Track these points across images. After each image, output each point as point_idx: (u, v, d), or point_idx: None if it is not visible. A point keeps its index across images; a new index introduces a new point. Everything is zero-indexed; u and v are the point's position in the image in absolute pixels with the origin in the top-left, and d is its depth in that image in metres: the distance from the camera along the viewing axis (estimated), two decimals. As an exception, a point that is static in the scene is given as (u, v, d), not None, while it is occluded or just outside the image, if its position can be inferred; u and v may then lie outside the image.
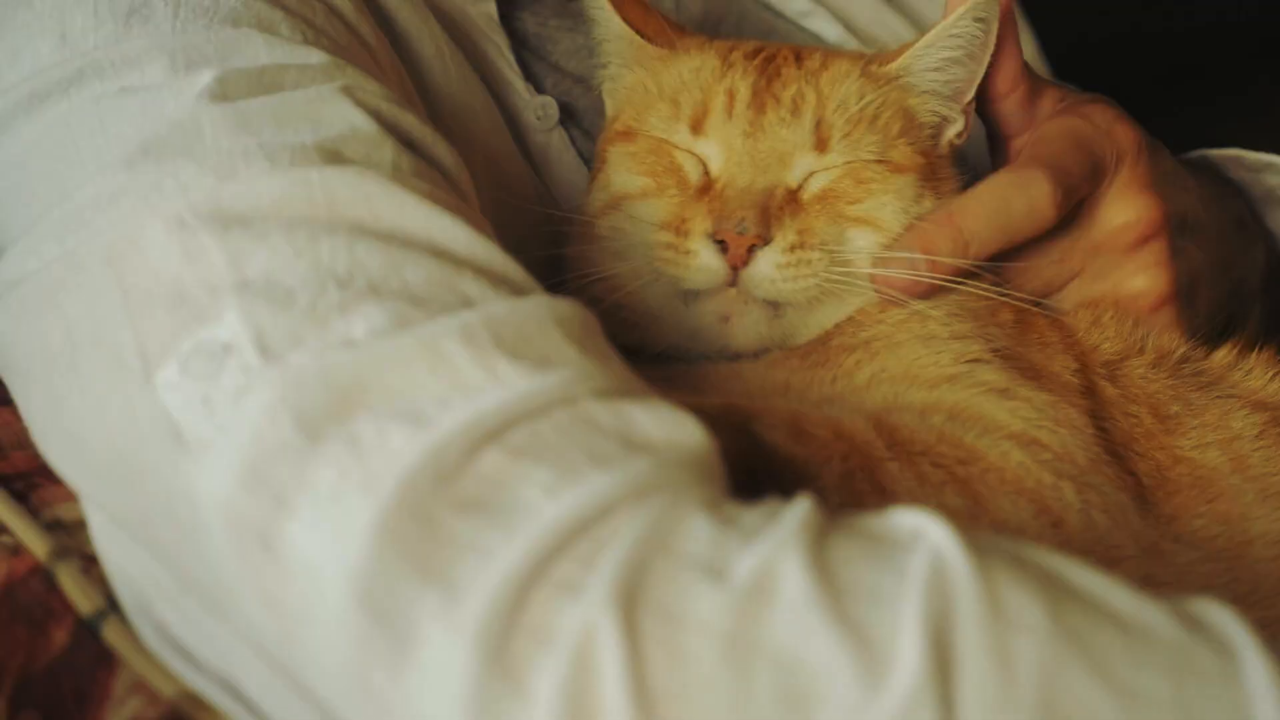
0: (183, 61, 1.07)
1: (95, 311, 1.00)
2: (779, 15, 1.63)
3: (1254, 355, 1.31)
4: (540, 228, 1.34)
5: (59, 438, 1.06)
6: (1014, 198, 1.24)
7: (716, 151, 1.25)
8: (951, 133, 1.31)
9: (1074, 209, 1.29)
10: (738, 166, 1.24)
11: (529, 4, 1.47)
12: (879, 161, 1.26)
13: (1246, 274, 1.45)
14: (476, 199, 1.15)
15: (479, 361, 0.92)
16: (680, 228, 1.22)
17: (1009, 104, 1.32)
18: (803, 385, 1.22)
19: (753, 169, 1.23)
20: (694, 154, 1.26)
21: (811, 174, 1.24)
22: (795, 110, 1.25)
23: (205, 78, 1.05)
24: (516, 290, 1.00)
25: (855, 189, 1.24)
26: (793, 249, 1.20)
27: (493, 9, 1.41)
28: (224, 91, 1.05)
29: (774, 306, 1.22)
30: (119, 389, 0.98)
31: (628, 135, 1.30)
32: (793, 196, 1.23)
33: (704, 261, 1.20)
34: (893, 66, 1.29)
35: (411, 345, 0.93)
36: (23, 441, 1.11)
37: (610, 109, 1.36)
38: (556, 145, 1.41)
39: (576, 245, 1.30)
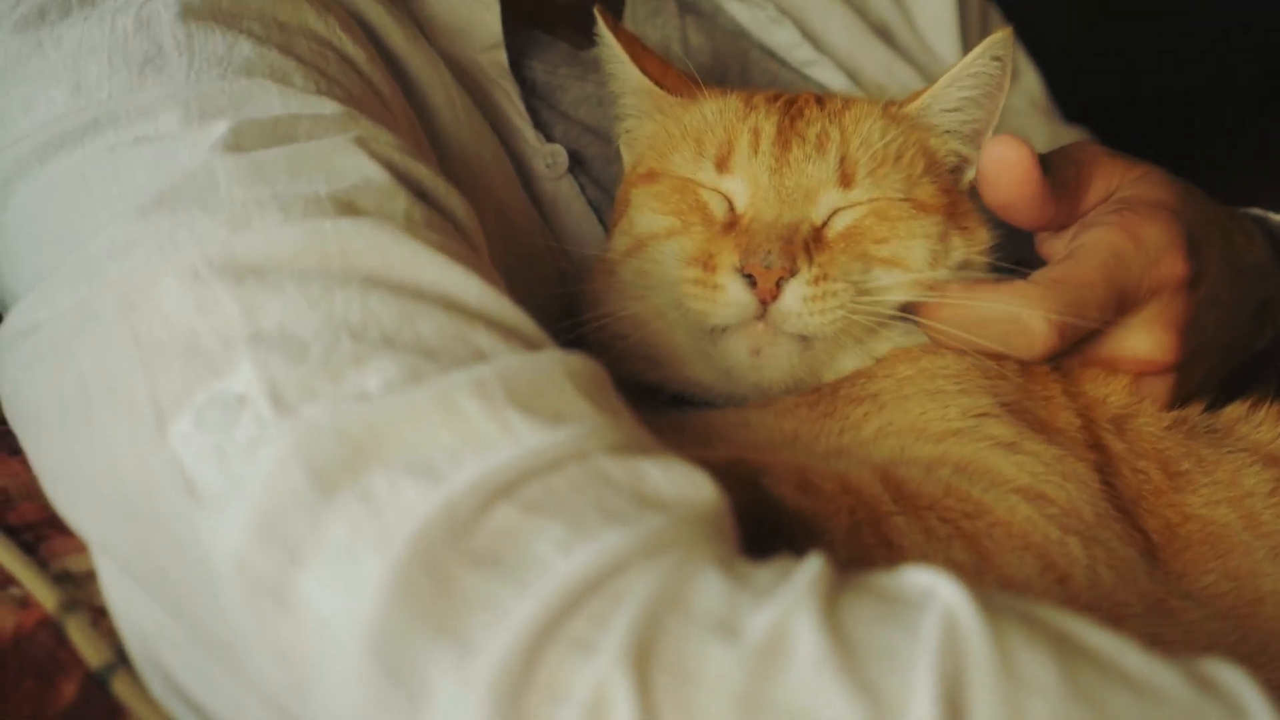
0: (197, 111, 1.09)
1: (109, 361, 1.01)
2: (784, 64, 1.65)
3: (1265, 409, 1.32)
4: (549, 274, 1.35)
5: (70, 487, 1.07)
6: (1003, 319, 1.22)
7: (742, 188, 1.27)
8: (971, 174, 1.33)
9: None
10: (764, 202, 1.25)
11: (539, 52, 1.49)
12: (904, 199, 1.27)
13: (1251, 351, 1.43)
14: (487, 249, 1.16)
15: (492, 416, 0.94)
16: (708, 263, 1.23)
17: (1043, 233, 1.30)
18: (810, 436, 1.23)
19: (779, 204, 1.25)
20: (719, 192, 1.28)
21: (837, 211, 1.26)
22: (820, 147, 1.27)
23: (220, 128, 1.07)
24: (529, 344, 1.01)
25: (880, 226, 1.26)
26: (817, 281, 1.21)
27: (503, 57, 1.42)
28: (238, 142, 1.06)
29: (803, 340, 1.23)
30: (132, 439, 0.99)
31: (651, 177, 1.32)
32: (818, 234, 1.25)
33: (732, 296, 1.21)
34: (913, 107, 1.31)
35: (425, 399, 0.94)
36: (31, 492, 1.12)
37: (629, 159, 1.38)
38: (566, 193, 1.43)
39: (595, 290, 1.31)
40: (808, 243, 1.23)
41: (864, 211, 1.26)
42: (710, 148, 1.29)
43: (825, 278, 1.21)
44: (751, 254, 1.21)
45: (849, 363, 1.27)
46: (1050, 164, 1.26)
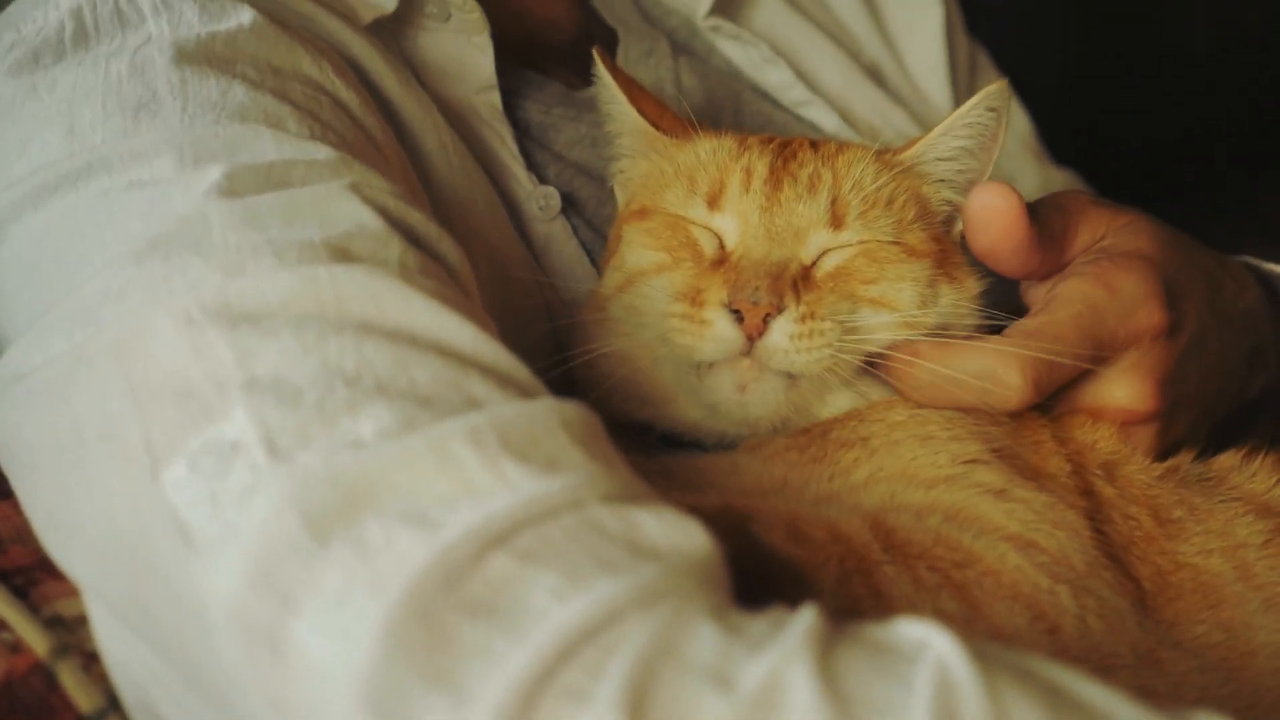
0: (191, 156, 1.10)
1: (103, 406, 1.03)
2: (777, 105, 1.67)
3: (1259, 459, 1.33)
4: (540, 315, 1.36)
5: (63, 531, 1.08)
6: (979, 376, 1.24)
7: (733, 226, 1.29)
8: (959, 229, 1.34)
9: None
10: (754, 240, 1.27)
11: (532, 92, 1.50)
12: (894, 243, 1.29)
13: (1242, 399, 1.44)
14: (479, 293, 1.17)
15: (487, 464, 0.95)
16: (696, 298, 1.24)
17: (1028, 282, 1.32)
18: (800, 481, 1.24)
19: (768, 242, 1.26)
20: (710, 229, 1.30)
21: (826, 251, 1.28)
22: (812, 188, 1.29)
23: (214, 174, 1.08)
24: (523, 391, 1.03)
25: (869, 268, 1.27)
26: (804, 319, 1.22)
27: (496, 98, 1.45)
28: (232, 187, 1.08)
29: (789, 378, 1.24)
30: (126, 484, 1.01)
31: (643, 214, 1.34)
32: (807, 273, 1.26)
33: (719, 331, 1.22)
34: (907, 154, 1.33)
35: (419, 447, 0.96)
36: (23, 536, 1.13)
37: (622, 199, 1.40)
38: (558, 235, 1.45)
39: (585, 325, 1.33)
40: (796, 281, 1.24)
41: (853, 253, 1.28)
42: (703, 185, 1.31)
43: (812, 316, 1.22)
44: (739, 290, 1.22)
45: (838, 403, 1.28)
46: (1037, 212, 1.27)
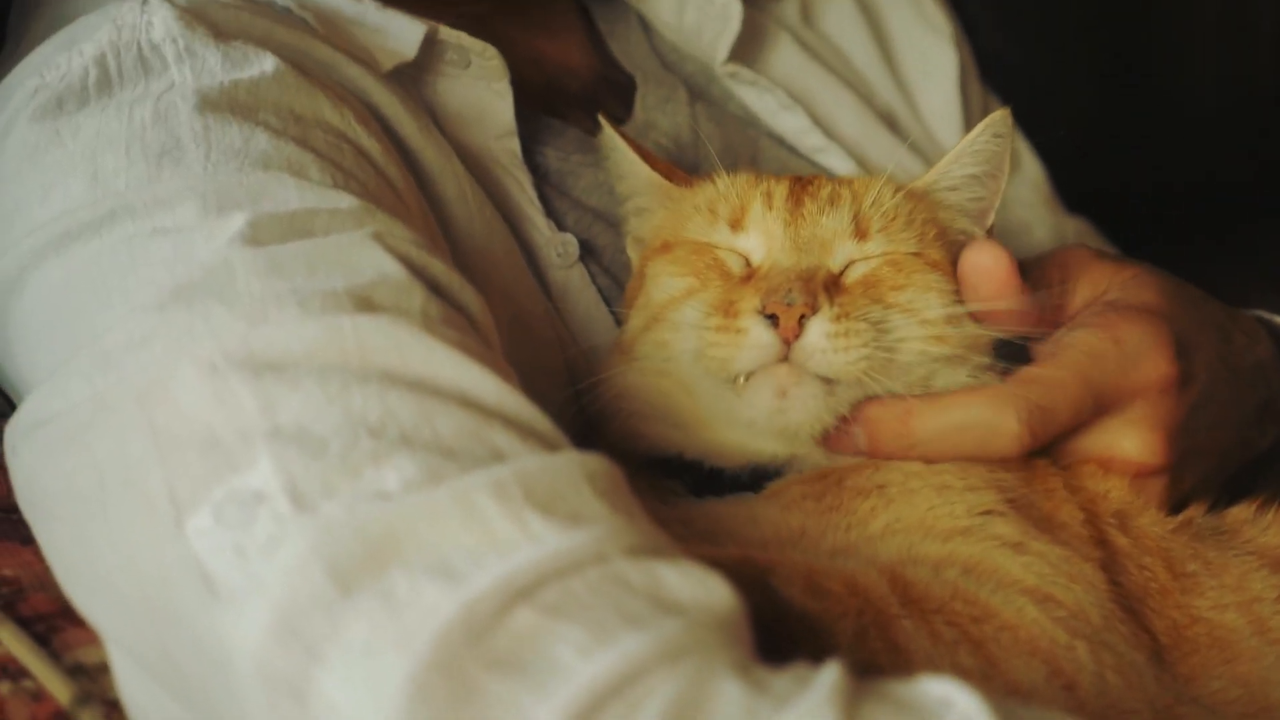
0: (214, 204, 1.12)
1: (125, 454, 1.04)
2: (793, 151, 1.69)
3: (1272, 512, 1.33)
4: (557, 364, 1.38)
5: (85, 579, 1.10)
6: (976, 425, 1.25)
7: (758, 243, 1.31)
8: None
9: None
10: (781, 251, 1.29)
11: (551, 139, 1.52)
12: (918, 255, 1.30)
13: (1253, 452, 1.44)
14: (499, 342, 1.19)
15: (511, 517, 0.96)
16: (729, 310, 1.25)
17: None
18: (817, 531, 1.25)
19: (796, 252, 1.28)
20: (735, 250, 1.31)
21: (852, 262, 1.29)
22: (833, 202, 1.31)
23: (237, 222, 1.10)
24: (546, 443, 1.04)
25: (897, 275, 1.29)
26: (839, 319, 1.22)
27: (515, 145, 1.46)
28: (256, 236, 1.09)
29: (828, 383, 1.24)
30: (149, 533, 1.02)
31: (666, 248, 1.35)
32: (836, 280, 1.28)
33: (755, 338, 1.23)
34: (920, 183, 1.35)
35: (444, 499, 0.97)
36: (44, 583, 1.14)
37: (637, 260, 1.42)
38: (576, 282, 1.46)
39: (610, 372, 1.33)
40: (827, 285, 1.25)
41: (880, 262, 1.29)
42: (724, 211, 1.33)
43: (847, 316, 1.23)
44: (773, 293, 1.23)
45: None
46: (1036, 266, 1.29)
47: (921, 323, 1.26)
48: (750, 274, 1.29)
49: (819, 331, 1.22)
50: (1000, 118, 1.34)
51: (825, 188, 1.33)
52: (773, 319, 1.22)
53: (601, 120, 1.42)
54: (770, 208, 1.31)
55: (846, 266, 1.29)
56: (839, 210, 1.31)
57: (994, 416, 1.24)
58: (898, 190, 1.33)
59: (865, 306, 1.25)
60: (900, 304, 1.27)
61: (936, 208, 1.35)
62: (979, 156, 1.35)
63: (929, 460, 1.26)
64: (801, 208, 1.31)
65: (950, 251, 1.33)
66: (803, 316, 1.21)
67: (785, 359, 1.23)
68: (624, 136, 1.41)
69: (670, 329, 1.30)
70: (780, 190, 1.32)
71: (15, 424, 1.13)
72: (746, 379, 1.24)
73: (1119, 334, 1.27)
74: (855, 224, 1.30)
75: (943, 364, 1.27)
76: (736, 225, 1.32)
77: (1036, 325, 1.29)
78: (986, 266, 1.26)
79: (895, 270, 1.29)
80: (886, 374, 1.24)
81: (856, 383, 1.24)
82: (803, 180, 1.35)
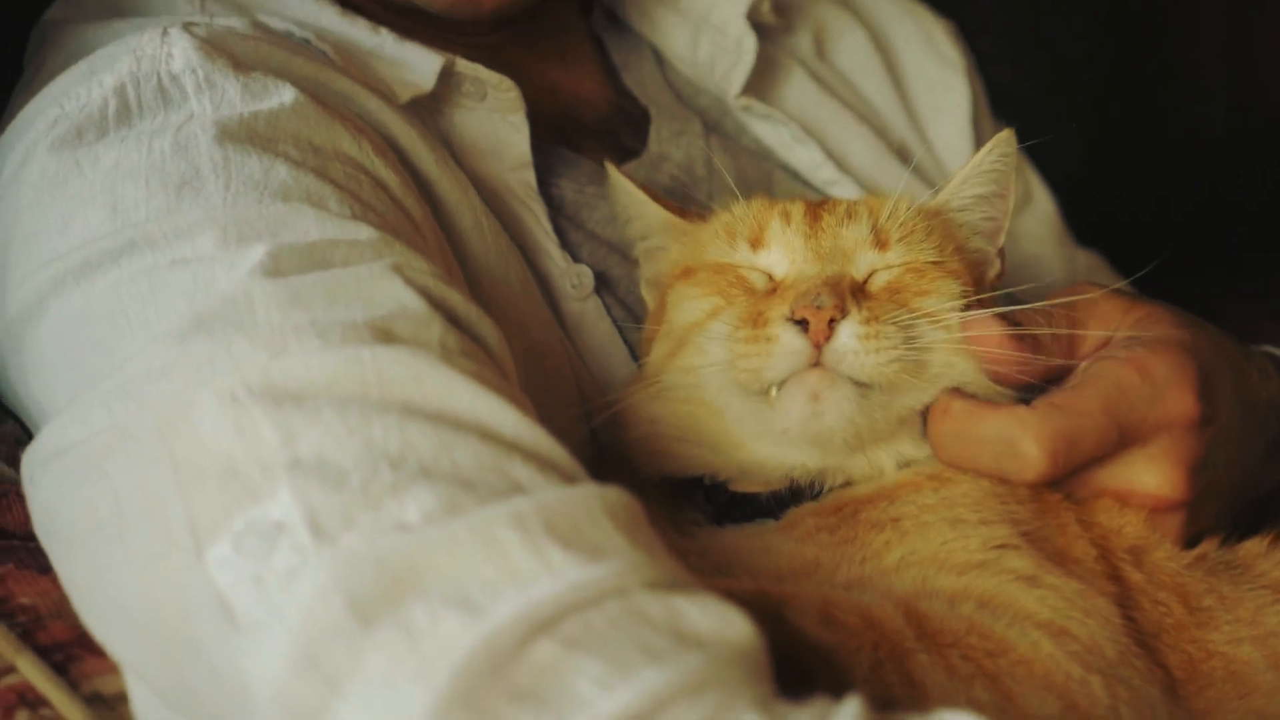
0: (234, 235, 1.13)
1: (145, 483, 1.05)
2: (807, 184, 1.71)
3: None
4: (572, 395, 1.38)
5: (103, 608, 1.10)
6: (997, 440, 1.25)
7: (780, 257, 1.32)
8: (992, 273, 1.38)
9: None
10: (804, 262, 1.30)
11: (566, 170, 1.54)
12: (937, 264, 1.31)
13: (1262, 488, 1.44)
14: (516, 373, 1.19)
15: (531, 550, 0.97)
16: (757, 320, 1.25)
17: None
18: (832, 563, 1.25)
19: (819, 261, 1.29)
20: (757, 268, 1.32)
21: (875, 270, 1.30)
22: (851, 215, 1.33)
23: (257, 253, 1.11)
24: (564, 475, 1.05)
25: (920, 282, 1.30)
26: (868, 322, 1.23)
27: (531, 177, 1.47)
28: (276, 267, 1.10)
29: (860, 387, 1.23)
30: (168, 562, 1.03)
31: (687, 273, 1.36)
32: (860, 287, 1.28)
33: (786, 344, 1.23)
34: (933, 204, 1.37)
35: (464, 531, 0.97)
36: (61, 611, 1.15)
37: (653, 301, 1.43)
38: (591, 313, 1.47)
39: (635, 403, 1.34)
40: (853, 290, 1.26)
41: (902, 270, 1.30)
42: (743, 233, 1.34)
43: (876, 319, 1.23)
44: (801, 298, 1.23)
45: (901, 449, 1.29)
46: (1043, 311, 1.29)
47: (947, 328, 1.27)
48: (774, 287, 1.30)
49: (850, 333, 1.22)
50: (1005, 138, 1.36)
51: (841, 205, 1.35)
52: (802, 324, 1.22)
53: (607, 166, 1.44)
54: (789, 224, 1.32)
55: (870, 275, 1.30)
56: (857, 222, 1.32)
57: (1018, 438, 1.23)
58: (914, 210, 1.35)
59: (893, 311, 1.25)
60: (926, 311, 1.27)
61: (951, 225, 1.37)
62: (987, 177, 1.37)
63: (948, 464, 1.27)
64: (820, 222, 1.32)
65: (972, 269, 1.35)
66: (832, 320, 1.22)
67: (817, 364, 1.23)
68: (630, 178, 1.42)
69: (696, 352, 1.30)
70: (797, 209, 1.34)
71: (33, 452, 1.14)
72: (779, 389, 1.24)
73: (1147, 367, 1.27)
74: (874, 235, 1.31)
75: (972, 374, 1.28)
76: (757, 243, 1.33)
77: (1045, 373, 1.29)
78: (983, 340, 1.26)
79: (918, 277, 1.30)
80: (918, 376, 1.25)
81: (890, 386, 1.24)
82: (816, 202, 1.36)
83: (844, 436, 1.25)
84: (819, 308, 1.22)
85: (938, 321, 1.27)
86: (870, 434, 1.26)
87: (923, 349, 1.25)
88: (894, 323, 1.24)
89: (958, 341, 1.27)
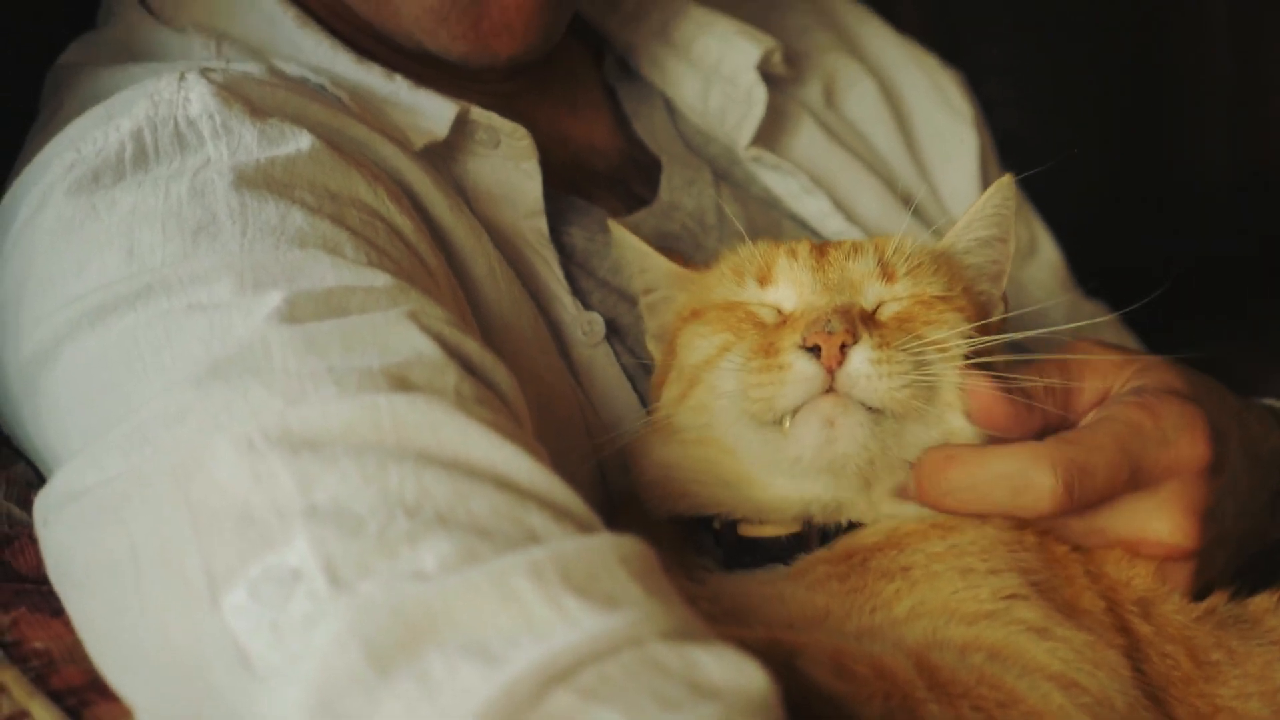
0: (251, 281, 1.14)
1: (161, 529, 1.05)
2: (815, 233, 1.71)
3: None
4: (582, 441, 1.39)
5: (117, 653, 1.11)
6: (1012, 475, 1.25)
7: (788, 292, 1.33)
8: (995, 316, 1.38)
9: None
10: (813, 294, 1.31)
11: (577, 218, 1.55)
12: (943, 299, 1.32)
13: (1265, 541, 1.45)
14: (529, 420, 1.20)
15: (548, 599, 0.97)
16: (769, 350, 1.25)
17: None
18: (842, 612, 1.25)
19: (828, 293, 1.30)
20: (766, 304, 1.33)
21: (883, 301, 1.32)
22: (857, 250, 1.34)
23: (274, 299, 1.12)
24: (579, 524, 1.05)
25: (928, 313, 1.30)
26: (880, 348, 1.23)
27: (543, 224, 1.49)
28: (292, 313, 1.11)
29: (873, 413, 1.24)
30: (184, 608, 1.03)
31: (695, 314, 1.37)
32: (869, 316, 1.29)
33: (799, 371, 1.23)
34: (939, 246, 1.38)
35: (481, 580, 0.98)
36: (74, 655, 1.15)
37: (659, 354, 1.44)
38: (601, 360, 1.48)
39: (646, 448, 1.35)
40: (864, 319, 1.27)
41: (910, 302, 1.31)
42: (751, 270, 1.35)
43: (887, 345, 1.24)
44: (813, 325, 1.23)
45: (914, 447, 1.28)
46: (1038, 366, 1.30)
47: (954, 358, 1.27)
48: (784, 320, 1.31)
49: (862, 358, 1.22)
50: (1006, 183, 1.38)
51: (846, 242, 1.36)
52: (814, 350, 1.23)
53: (609, 222, 1.46)
54: (796, 259, 1.34)
55: (878, 306, 1.31)
56: (864, 256, 1.33)
57: (1031, 469, 1.23)
58: (920, 247, 1.36)
59: (903, 339, 1.26)
60: (935, 340, 1.28)
61: (957, 267, 1.38)
62: (990, 220, 1.38)
63: (961, 511, 1.27)
64: (826, 257, 1.34)
65: (979, 309, 1.36)
66: (844, 346, 1.22)
67: (830, 389, 1.23)
68: (637, 229, 1.44)
69: (708, 390, 1.31)
70: (803, 246, 1.36)
71: (47, 496, 1.15)
72: (792, 418, 1.24)
73: (1157, 411, 1.28)
74: (881, 268, 1.32)
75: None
76: (765, 280, 1.34)
77: (1041, 428, 1.29)
78: (980, 400, 1.27)
79: (926, 308, 1.31)
80: (930, 404, 1.26)
81: (902, 413, 1.25)
82: (822, 243, 1.38)
83: (857, 463, 1.25)
84: (830, 333, 1.22)
85: (947, 350, 1.27)
86: (883, 463, 1.26)
87: (934, 376, 1.26)
88: (905, 349, 1.25)
89: (960, 376, 1.27)
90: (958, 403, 1.27)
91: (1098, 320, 1.81)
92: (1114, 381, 1.32)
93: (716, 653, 0.98)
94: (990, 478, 1.25)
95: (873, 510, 1.30)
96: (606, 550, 1.02)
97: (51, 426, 1.21)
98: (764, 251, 1.36)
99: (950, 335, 1.28)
